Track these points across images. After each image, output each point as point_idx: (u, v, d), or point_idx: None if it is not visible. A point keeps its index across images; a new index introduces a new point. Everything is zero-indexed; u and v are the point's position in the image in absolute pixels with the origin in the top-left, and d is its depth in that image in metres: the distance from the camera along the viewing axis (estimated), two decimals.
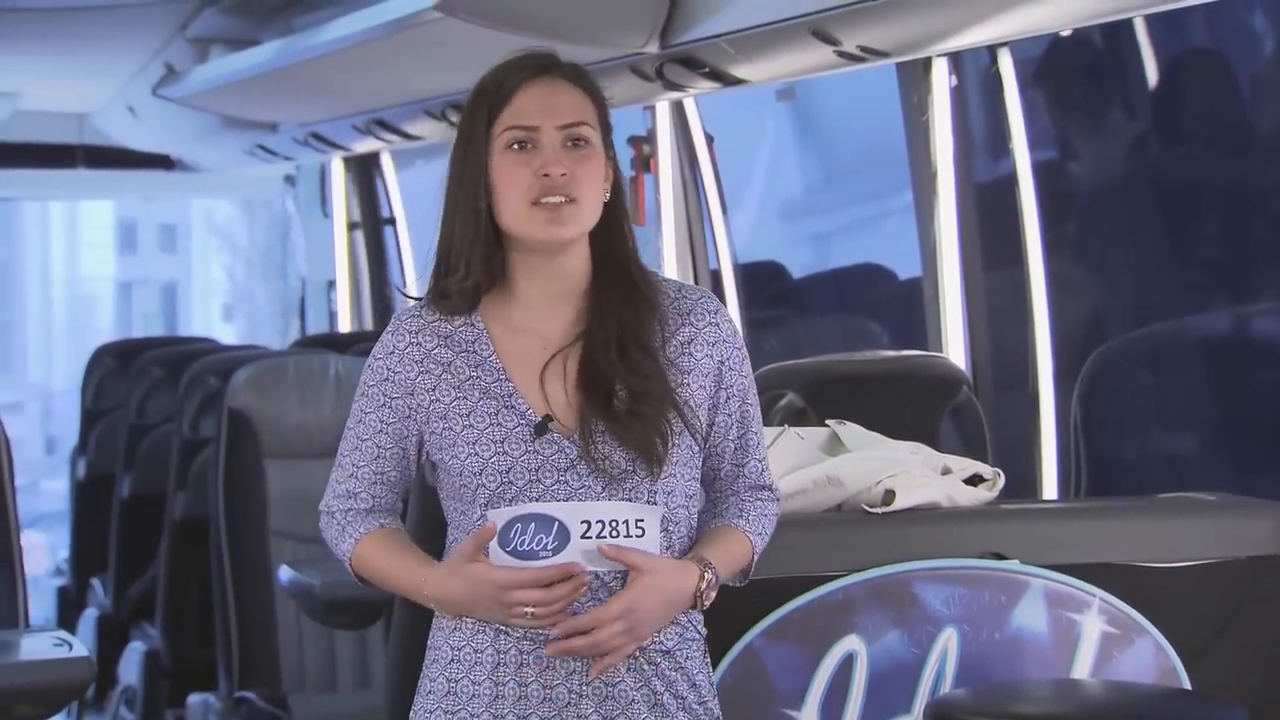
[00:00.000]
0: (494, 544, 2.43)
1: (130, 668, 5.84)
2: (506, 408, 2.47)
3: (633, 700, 2.45)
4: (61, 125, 8.50)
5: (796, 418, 3.35)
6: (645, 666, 2.47)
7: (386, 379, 2.52)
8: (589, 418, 2.45)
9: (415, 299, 2.56)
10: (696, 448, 2.51)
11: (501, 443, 2.45)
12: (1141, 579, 2.98)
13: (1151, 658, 2.97)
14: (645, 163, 5.26)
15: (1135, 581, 2.98)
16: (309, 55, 5.55)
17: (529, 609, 2.40)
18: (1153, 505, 3.19)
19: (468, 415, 2.47)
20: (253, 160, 7.81)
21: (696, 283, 5.35)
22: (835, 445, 3.15)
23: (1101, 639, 2.96)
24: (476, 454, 2.46)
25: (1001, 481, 3.10)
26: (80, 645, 3.16)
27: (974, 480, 3.09)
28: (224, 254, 25.64)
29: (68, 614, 6.92)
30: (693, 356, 2.51)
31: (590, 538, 2.42)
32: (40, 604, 7.41)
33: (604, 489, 2.45)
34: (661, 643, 2.47)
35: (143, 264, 28.56)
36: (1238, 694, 2.95)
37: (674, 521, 2.49)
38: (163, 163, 8.72)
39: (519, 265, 2.51)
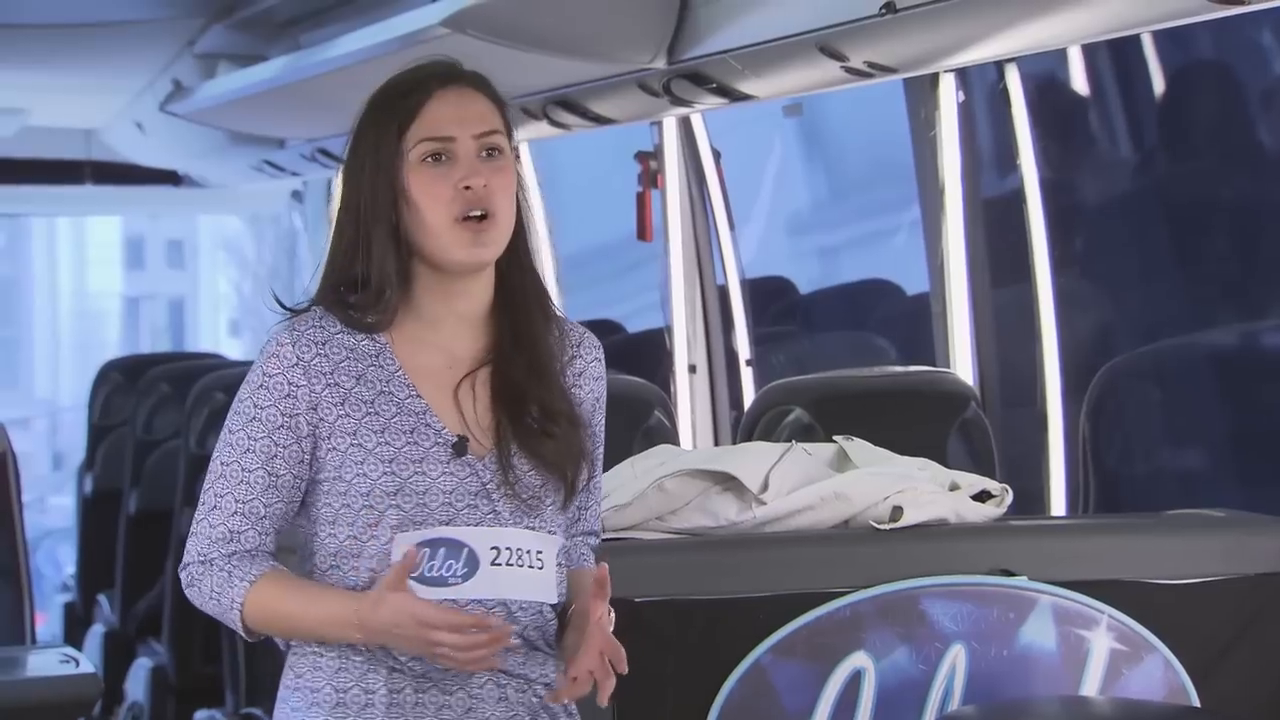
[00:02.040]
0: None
1: (137, 684, 5.84)
2: (423, 425, 2.38)
3: None
4: (69, 141, 8.51)
5: (804, 434, 3.35)
6: (533, 699, 2.43)
7: (287, 395, 2.37)
8: (505, 437, 2.39)
9: (290, 310, 2.42)
10: (587, 472, 2.46)
11: (419, 462, 2.37)
12: (1150, 596, 2.98)
13: (1160, 675, 2.96)
14: (652, 178, 5.26)
15: (1144, 598, 2.97)
16: (316, 71, 5.56)
17: (447, 650, 2.30)
18: (1161, 522, 3.18)
19: (382, 431, 2.37)
20: (260, 176, 7.82)
21: (704, 298, 5.35)
22: (843, 461, 3.14)
23: (1110, 656, 2.95)
24: (394, 473, 2.36)
25: (1009, 498, 3.09)
26: (87, 662, 3.16)
27: (982, 496, 3.08)
28: (231, 269, 25.66)
29: (74, 630, 6.92)
30: (581, 389, 2.48)
31: (500, 565, 2.37)
32: (47, 620, 7.41)
33: (512, 515, 2.39)
34: (546, 675, 2.44)
35: (150, 279, 28.57)
36: (1247, 711, 2.95)
37: (564, 557, 2.45)
38: (170, 178, 8.72)
39: (425, 283, 2.42)
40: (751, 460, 3.04)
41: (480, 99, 2.43)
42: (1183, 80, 4.61)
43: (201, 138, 7.36)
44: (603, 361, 2.51)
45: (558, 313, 2.50)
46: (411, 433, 2.38)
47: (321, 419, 2.38)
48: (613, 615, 2.40)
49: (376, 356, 2.41)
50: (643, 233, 5.22)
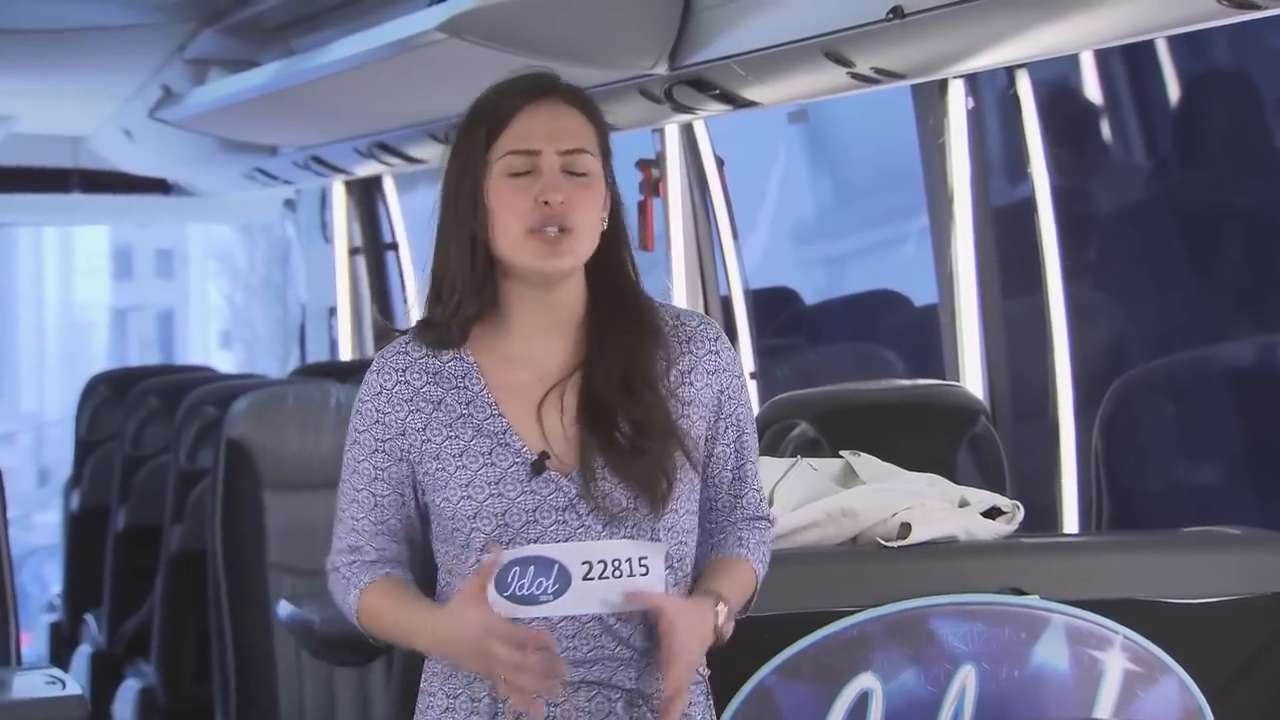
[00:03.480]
0: (491, 589, 2.40)
1: (125, 706, 5.83)
2: (501, 445, 2.43)
3: None
4: (56, 149, 8.52)
5: (809, 448, 3.34)
6: (649, 715, 2.44)
7: (376, 421, 2.47)
8: (590, 454, 2.42)
9: (399, 331, 2.52)
10: (697, 481, 2.49)
11: (496, 484, 2.42)
12: (1165, 615, 2.98)
13: (1176, 696, 2.96)
14: (654, 187, 5.26)
15: (1159, 618, 2.97)
16: (309, 77, 5.56)
17: (500, 671, 2.33)
18: (1176, 539, 3.18)
19: (460, 455, 2.43)
20: (252, 184, 7.82)
21: (707, 310, 5.35)
22: (849, 477, 3.15)
23: (1124, 677, 2.95)
24: (470, 496, 2.41)
25: (1021, 514, 3.09)
26: (73, 683, 3.16)
27: (992, 513, 3.08)
28: (222, 280, 25.68)
29: (60, 651, 6.91)
30: (693, 386, 2.49)
31: (593, 579, 2.40)
32: (32, 640, 7.40)
33: (604, 528, 2.41)
34: (662, 691, 2.44)
35: (139, 290, 28.59)
36: None
37: (677, 558, 2.46)
38: (159, 187, 8.74)
39: (513, 295, 2.47)
40: None
41: (574, 115, 2.48)
42: (1198, 86, 4.62)
43: (192, 145, 7.37)
44: (723, 352, 2.51)
45: (662, 306, 2.51)
46: (489, 454, 2.43)
47: (411, 444, 2.47)
48: (723, 608, 2.42)
49: (463, 378, 2.47)
50: (644, 242, 5.22)
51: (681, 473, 2.45)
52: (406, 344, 2.50)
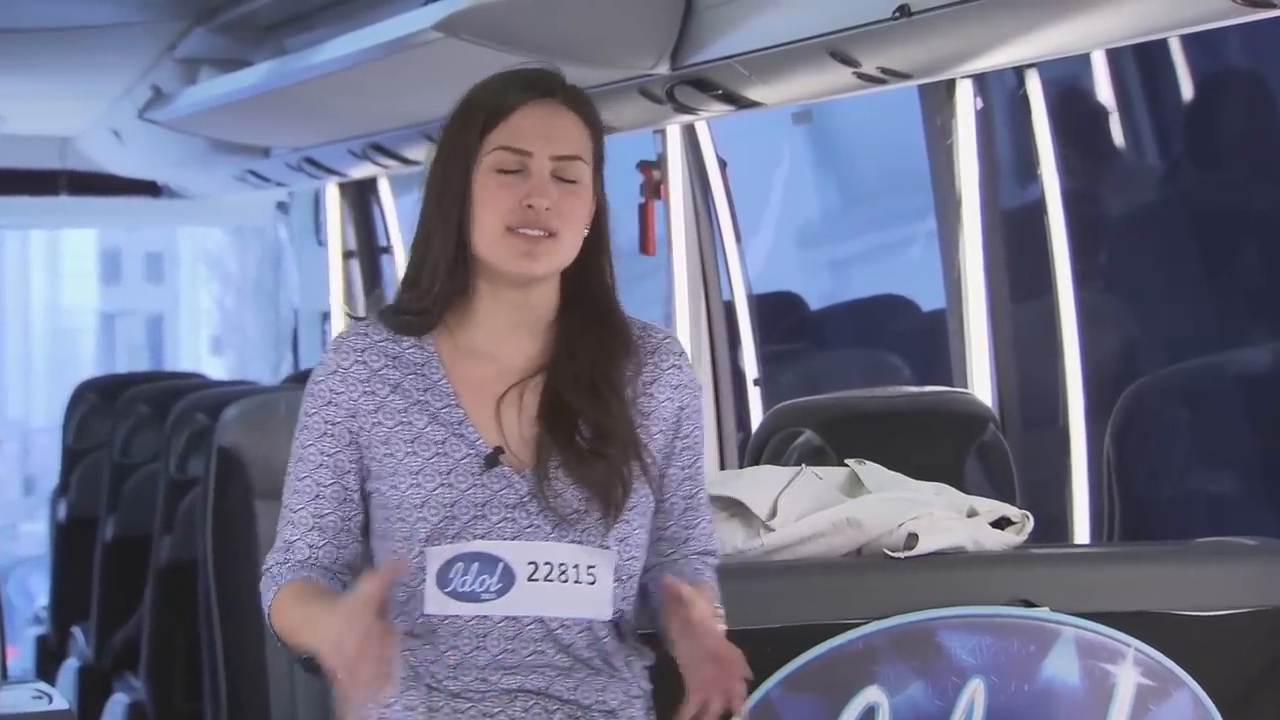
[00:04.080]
0: (430, 584, 2.38)
1: None
2: (455, 436, 2.42)
3: None
4: (43, 150, 8.53)
5: (814, 457, 3.35)
6: None
7: (328, 403, 2.45)
8: (546, 453, 2.40)
9: (359, 319, 2.50)
10: (651, 499, 2.47)
11: (447, 474, 2.40)
12: (1179, 628, 2.98)
13: (1190, 711, 2.96)
14: (655, 189, 5.27)
15: (1172, 630, 2.97)
16: (303, 77, 5.57)
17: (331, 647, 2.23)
18: (1191, 550, 3.18)
19: (412, 442, 2.41)
20: (243, 186, 7.83)
21: (709, 314, 5.36)
22: (855, 486, 3.15)
23: (1137, 691, 2.95)
24: (419, 485, 2.39)
25: (1030, 524, 3.09)
26: (61, 698, 3.16)
27: (1001, 523, 3.08)
28: (213, 284, 25.68)
29: (47, 664, 6.91)
30: (654, 399, 2.48)
31: (538, 580, 2.38)
32: (18, 654, 7.40)
33: (554, 529, 2.40)
34: (604, 702, 2.44)
35: (127, 295, 28.60)
36: None
37: (626, 573, 2.45)
38: (149, 189, 8.74)
39: (484, 290, 2.46)
40: (759, 485, 3.04)
41: (572, 120, 2.47)
42: (1212, 86, 4.62)
43: (182, 146, 7.37)
44: (685, 369, 2.51)
45: (629, 319, 2.51)
46: (442, 443, 2.42)
47: (361, 427, 2.44)
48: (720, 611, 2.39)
49: (422, 365, 2.45)
50: (645, 246, 5.22)
51: (638, 484, 2.44)
52: (367, 327, 2.48)
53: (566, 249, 2.44)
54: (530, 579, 2.38)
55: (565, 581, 2.39)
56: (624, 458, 2.42)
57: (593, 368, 2.45)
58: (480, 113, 2.45)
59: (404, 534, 2.40)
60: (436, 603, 2.39)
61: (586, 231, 2.47)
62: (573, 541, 2.41)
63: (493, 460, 2.40)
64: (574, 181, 2.44)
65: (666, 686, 2.50)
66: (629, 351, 2.47)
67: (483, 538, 2.39)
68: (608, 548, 2.42)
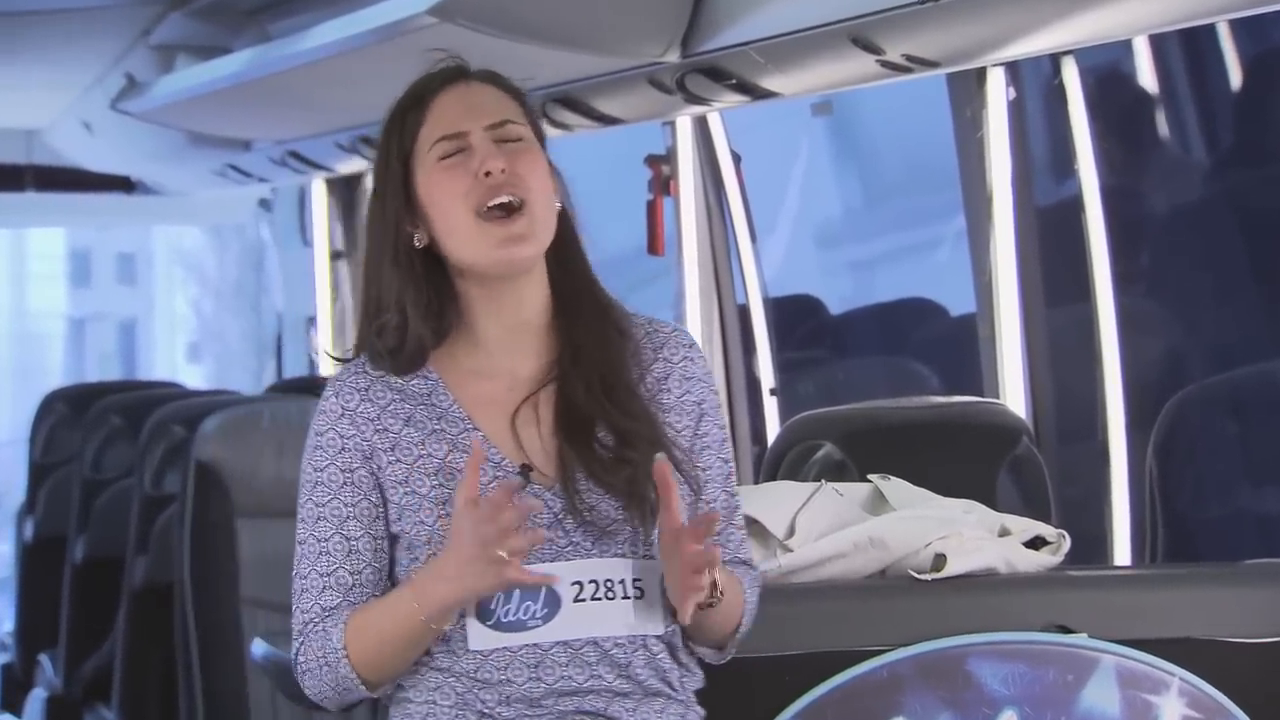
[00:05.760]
0: (471, 620, 2.39)
1: None
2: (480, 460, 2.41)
3: None
4: (8, 143, 8.55)
5: (835, 472, 3.35)
6: None
7: (341, 450, 2.44)
8: (569, 464, 2.42)
9: (340, 360, 2.50)
10: (690, 495, 2.48)
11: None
12: (1227, 656, 2.98)
13: None
14: (665, 185, 5.28)
15: (1219, 659, 2.98)
16: (287, 65, 5.58)
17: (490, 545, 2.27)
18: (1239, 572, 3.18)
19: (435, 473, 2.42)
20: (223, 182, 7.85)
21: (723, 319, 5.37)
22: (879, 503, 3.15)
23: None
24: (448, 515, 2.39)
25: (1067, 544, 3.10)
26: None
27: (1036, 543, 3.09)
28: (190, 287, 25.71)
29: (13, 694, 6.93)
30: (670, 393, 2.50)
31: (584, 600, 2.40)
32: None
33: (594, 544, 2.42)
34: None
35: (98, 298, 28.63)
36: None
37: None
38: (122, 185, 8.76)
39: (473, 301, 2.47)
40: (775, 502, 3.05)
41: (490, 91, 2.50)
42: (1263, 74, 4.62)
43: (157, 139, 7.39)
44: (698, 361, 2.52)
45: (632, 314, 2.52)
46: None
47: (379, 468, 2.44)
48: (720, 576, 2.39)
49: (428, 395, 2.46)
50: (654, 245, 5.23)
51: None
52: (363, 364, 2.48)
53: (541, 219, 2.45)
54: (577, 599, 2.39)
55: (613, 598, 2.41)
56: (650, 458, 2.43)
57: (601, 369, 2.46)
58: (398, 125, 2.48)
59: None
60: (480, 638, 2.40)
61: (558, 206, 2.48)
62: (615, 555, 2.42)
63: (525, 478, 2.41)
64: (519, 140, 2.46)
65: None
66: (628, 343, 2.49)
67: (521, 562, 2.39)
68: (652, 557, 2.43)
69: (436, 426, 2.44)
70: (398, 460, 2.44)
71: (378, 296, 2.45)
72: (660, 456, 2.40)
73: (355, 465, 2.44)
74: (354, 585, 2.44)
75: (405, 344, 2.45)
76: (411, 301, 2.44)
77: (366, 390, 2.46)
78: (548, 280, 2.49)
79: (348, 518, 2.44)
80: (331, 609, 2.44)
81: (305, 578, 2.45)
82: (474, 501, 2.31)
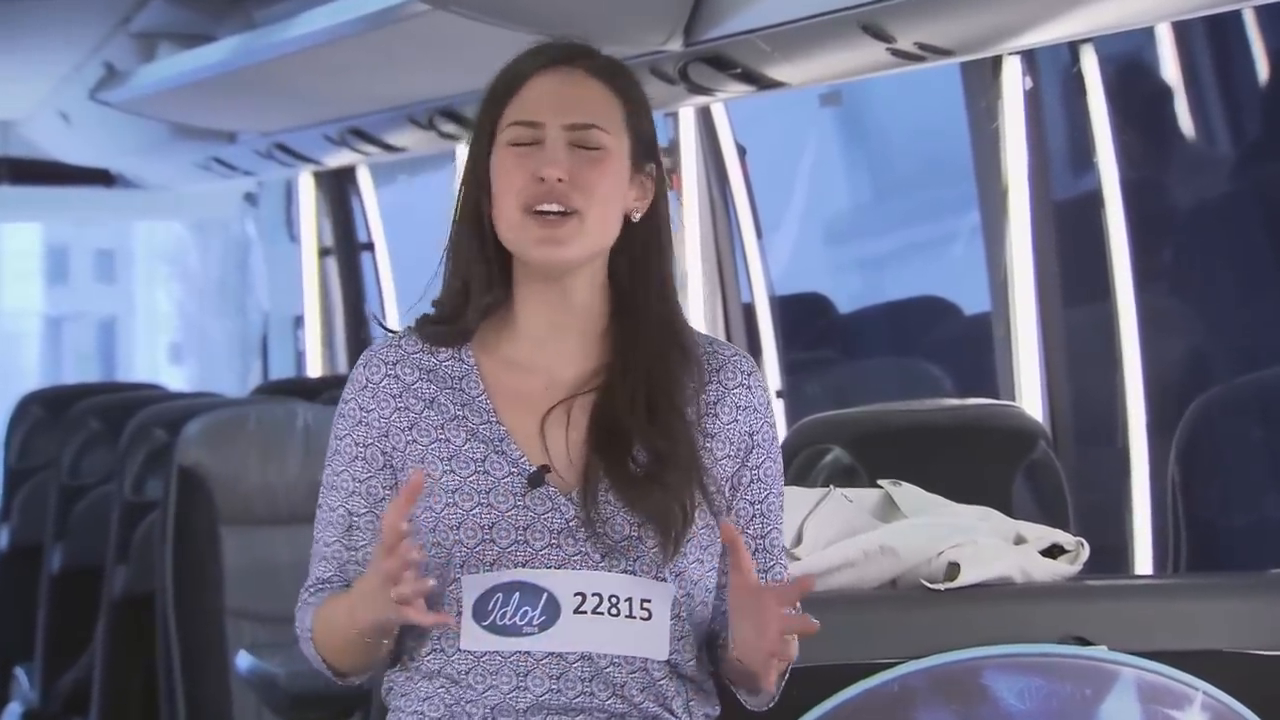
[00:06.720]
0: (466, 617, 2.40)
1: None
2: (497, 453, 2.43)
3: None
4: None
5: (844, 477, 3.36)
6: None
7: (359, 423, 2.47)
8: (595, 475, 2.41)
9: (392, 331, 2.53)
10: (715, 529, 2.46)
11: (487, 493, 2.41)
12: (1253, 669, 2.99)
13: None
14: (667, 178, 5.28)
15: (1245, 672, 2.98)
16: (273, 54, 5.59)
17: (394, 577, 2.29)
18: (1265, 582, 3.19)
19: (449, 460, 2.43)
20: (207, 175, 7.86)
21: (727, 319, 5.37)
22: (889, 509, 3.16)
23: None
24: (455, 504, 2.41)
25: (1085, 553, 3.10)
26: None
27: (1053, 551, 3.09)
28: (172, 285, 25.73)
29: None
30: (719, 419, 2.48)
31: (585, 612, 2.39)
32: None
33: (604, 558, 2.41)
34: None
35: (76, 296, 28.65)
36: None
37: (687, 610, 2.45)
38: (101, 178, 8.77)
39: (522, 289, 2.47)
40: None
41: (593, 87, 2.47)
42: None
43: (138, 131, 7.40)
44: (756, 389, 2.50)
45: (692, 332, 2.50)
46: (482, 461, 2.43)
47: (394, 446, 2.46)
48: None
49: (460, 379, 2.47)
50: None
51: (699, 514, 2.44)
52: (400, 338, 2.50)
53: (595, 229, 2.44)
54: (577, 611, 2.39)
55: (616, 615, 2.40)
56: (685, 485, 2.42)
57: (650, 384, 2.44)
58: (493, 94, 2.47)
59: (440, 560, 2.41)
60: (473, 638, 2.40)
61: (636, 215, 2.47)
62: (625, 571, 2.41)
63: (537, 479, 2.42)
64: (597, 149, 2.44)
65: None
66: (688, 364, 2.47)
67: (525, 565, 2.40)
68: (664, 580, 2.42)
69: (459, 413, 2.45)
70: (414, 441, 2.45)
71: (454, 264, 2.47)
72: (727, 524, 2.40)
73: (370, 440, 2.46)
74: (349, 561, 2.47)
75: (461, 315, 2.46)
76: (478, 272, 2.45)
77: (394, 365, 2.48)
78: (607, 284, 2.49)
79: (353, 493, 2.47)
80: (324, 580, 2.48)
81: (315, 543, 2.50)
82: (393, 529, 2.31)
